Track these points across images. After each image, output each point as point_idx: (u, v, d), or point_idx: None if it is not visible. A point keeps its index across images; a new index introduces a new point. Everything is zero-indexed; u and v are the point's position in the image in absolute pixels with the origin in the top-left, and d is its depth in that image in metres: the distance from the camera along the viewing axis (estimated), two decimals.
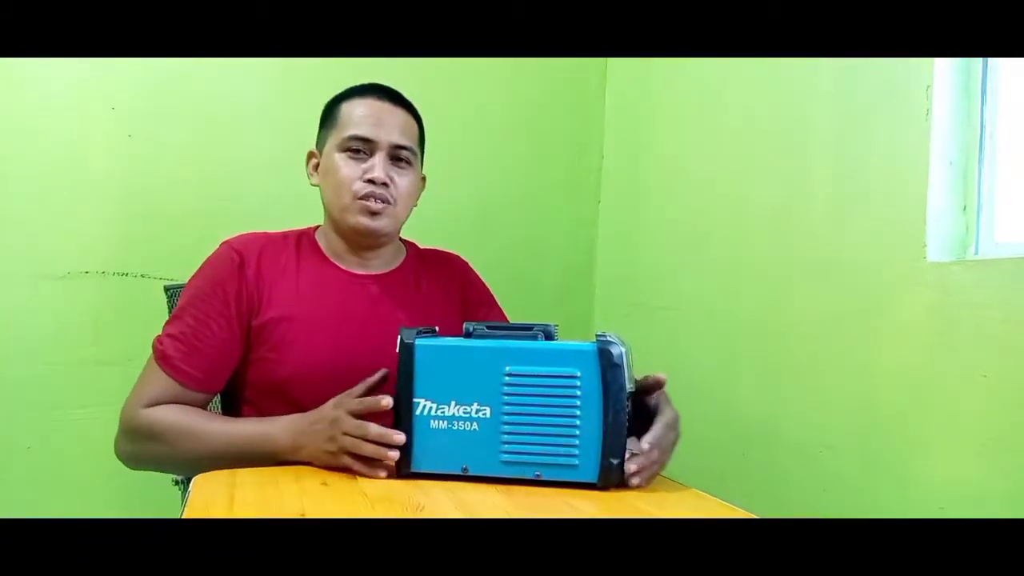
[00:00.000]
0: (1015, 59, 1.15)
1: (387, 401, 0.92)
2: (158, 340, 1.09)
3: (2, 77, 1.54)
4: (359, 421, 0.92)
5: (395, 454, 0.91)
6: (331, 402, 0.97)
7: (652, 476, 0.93)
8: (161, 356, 1.07)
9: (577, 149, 2.05)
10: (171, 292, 1.30)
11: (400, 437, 0.91)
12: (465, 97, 1.88)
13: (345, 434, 0.92)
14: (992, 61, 1.17)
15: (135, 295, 1.62)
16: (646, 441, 0.92)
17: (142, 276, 1.64)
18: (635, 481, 0.91)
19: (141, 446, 1.04)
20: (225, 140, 1.71)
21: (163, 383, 1.05)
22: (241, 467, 0.96)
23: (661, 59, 1.83)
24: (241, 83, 1.72)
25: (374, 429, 0.91)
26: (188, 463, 1.02)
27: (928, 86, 1.17)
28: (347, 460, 0.92)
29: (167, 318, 1.29)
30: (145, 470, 1.07)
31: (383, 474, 0.92)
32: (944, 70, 1.17)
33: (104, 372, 1.59)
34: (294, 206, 1.69)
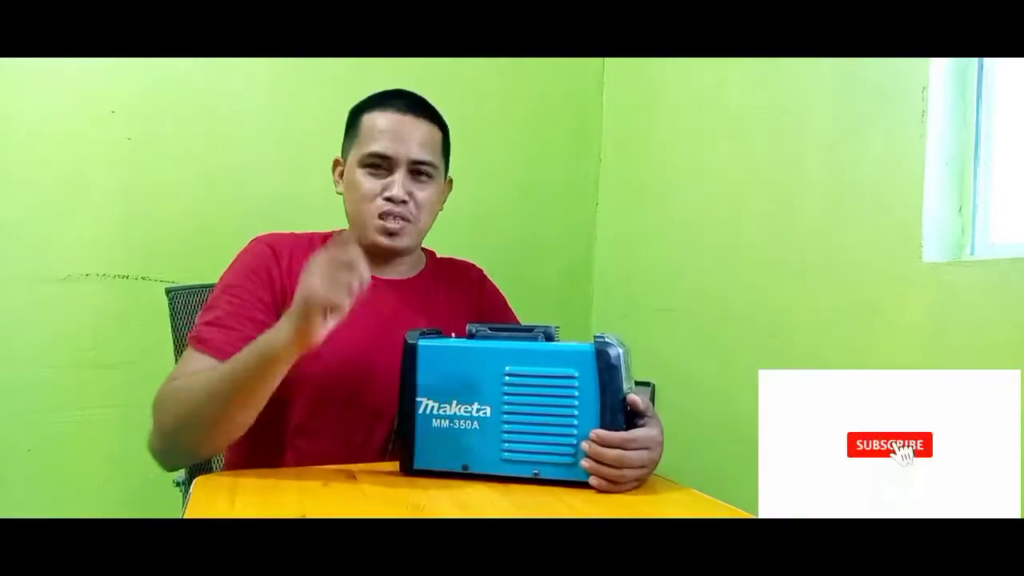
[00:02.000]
0: (1010, 60, 1.15)
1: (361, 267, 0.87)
2: (192, 330, 1.06)
3: (2, 79, 1.55)
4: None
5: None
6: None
7: (612, 479, 0.90)
8: (197, 340, 1.03)
9: (575, 151, 2.05)
10: (172, 294, 1.31)
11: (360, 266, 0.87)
12: (462, 98, 1.87)
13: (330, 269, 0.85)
14: (988, 62, 1.18)
15: (136, 297, 1.62)
16: (594, 432, 0.90)
17: (143, 278, 1.64)
18: (593, 481, 0.90)
19: (168, 415, 0.97)
20: (225, 142, 1.71)
21: (200, 363, 1.01)
22: (248, 398, 0.92)
23: (659, 60, 1.83)
24: (240, 85, 1.72)
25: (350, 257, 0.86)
26: (204, 409, 0.95)
27: (924, 87, 1.18)
28: (331, 292, 0.85)
29: (171, 318, 1.30)
30: (178, 459, 1.02)
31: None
32: (940, 71, 1.18)
33: (105, 375, 1.59)
34: (294, 207, 1.71)
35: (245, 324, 1.05)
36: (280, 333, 0.90)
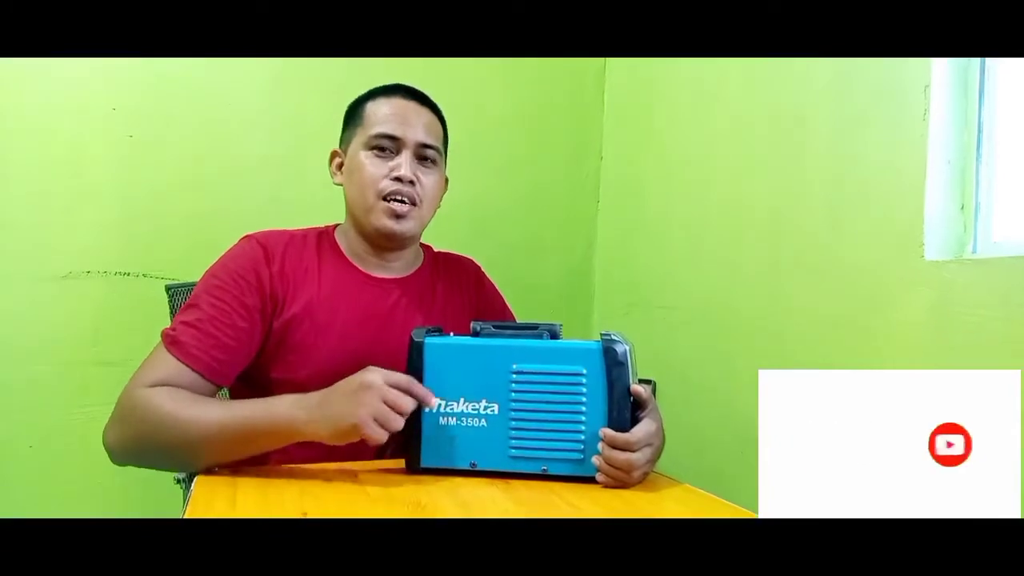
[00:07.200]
0: (1012, 59, 1.15)
1: (434, 401, 0.94)
2: (168, 329, 1.03)
3: (2, 77, 1.55)
4: (400, 393, 0.91)
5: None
6: (362, 371, 0.92)
7: (621, 480, 0.93)
8: (172, 342, 1.00)
9: (576, 150, 2.05)
10: (173, 292, 1.31)
11: (433, 402, 0.94)
12: (463, 98, 1.87)
13: (384, 401, 0.89)
14: (990, 61, 1.18)
15: (137, 295, 1.62)
16: (603, 431, 0.93)
17: (144, 276, 1.64)
18: (600, 478, 0.93)
19: (135, 429, 0.95)
20: (226, 140, 1.71)
21: (171, 368, 0.99)
22: (235, 454, 0.94)
23: (659, 59, 1.83)
24: (242, 84, 1.72)
25: (411, 404, 0.91)
26: (182, 448, 0.94)
27: (926, 86, 1.17)
28: (373, 428, 0.88)
29: (171, 315, 1.30)
30: (131, 464, 0.99)
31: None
32: (942, 70, 1.18)
33: (105, 372, 1.59)
34: (294, 206, 1.72)
35: (223, 330, 1.03)
36: (316, 427, 0.92)
